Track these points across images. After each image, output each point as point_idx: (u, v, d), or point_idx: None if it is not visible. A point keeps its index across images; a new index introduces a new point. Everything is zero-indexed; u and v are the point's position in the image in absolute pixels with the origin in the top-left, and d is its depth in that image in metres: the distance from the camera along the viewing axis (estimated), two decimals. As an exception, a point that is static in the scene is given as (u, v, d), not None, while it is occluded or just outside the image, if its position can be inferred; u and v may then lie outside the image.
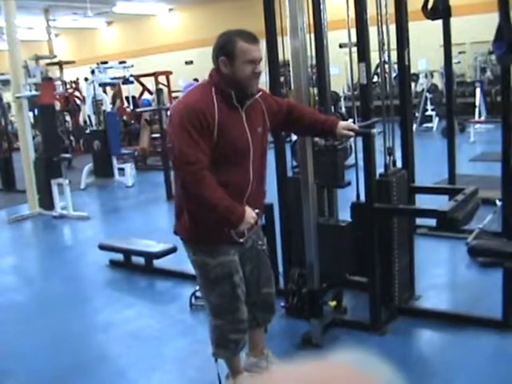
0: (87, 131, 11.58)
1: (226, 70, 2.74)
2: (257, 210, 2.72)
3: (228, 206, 2.65)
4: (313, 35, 3.77)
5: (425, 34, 9.49)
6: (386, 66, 4.05)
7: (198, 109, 2.65)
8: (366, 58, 3.48)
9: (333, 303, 3.76)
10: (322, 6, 3.71)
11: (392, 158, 3.95)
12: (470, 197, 3.70)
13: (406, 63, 4.21)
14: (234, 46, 2.70)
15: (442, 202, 3.73)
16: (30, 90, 8.37)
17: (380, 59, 3.90)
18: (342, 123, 3.14)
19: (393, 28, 4.03)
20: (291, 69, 3.56)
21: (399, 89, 4.17)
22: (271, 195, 4.15)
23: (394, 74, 5.09)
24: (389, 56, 3.95)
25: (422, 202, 4.52)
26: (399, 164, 4.12)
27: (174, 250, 5.19)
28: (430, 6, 5.71)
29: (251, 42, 2.72)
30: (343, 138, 3.22)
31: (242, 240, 2.78)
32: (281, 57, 3.95)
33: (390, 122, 4.00)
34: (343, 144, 3.53)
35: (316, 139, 3.62)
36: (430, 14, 5.75)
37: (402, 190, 3.88)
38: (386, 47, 3.91)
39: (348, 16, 3.72)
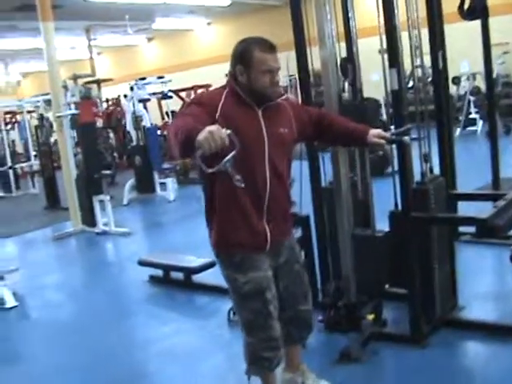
0: (129, 147, 11.69)
1: (242, 79, 2.72)
2: (229, 131, 2.31)
3: (190, 123, 2.41)
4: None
5: (466, 36, 9.30)
6: (420, 71, 3.94)
7: (204, 95, 2.89)
8: (396, 63, 3.38)
9: (371, 316, 3.66)
10: (350, 14, 3.65)
11: (429, 164, 3.83)
12: (512, 202, 3.56)
13: (441, 66, 4.11)
14: (250, 55, 2.68)
15: (487, 209, 3.58)
16: (70, 109, 8.50)
17: (412, 64, 3.81)
18: (373, 131, 3.05)
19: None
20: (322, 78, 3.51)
21: (434, 93, 4.07)
22: (308, 206, 4.10)
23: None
24: (422, 60, 3.84)
25: (466, 208, 4.39)
26: (437, 171, 4.02)
27: (212, 264, 5.15)
28: (466, 6, 5.60)
29: (268, 52, 2.69)
30: (375, 146, 3.13)
31: (210, 170, 2.37)
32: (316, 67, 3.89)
33: (425, 127, 3.90)
34: (377, 153, 3.43)
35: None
36: (467, 14, 5.63)
37: (440, 198, 3.76)
38: (418, 51, 3.82)
39: (379, 22, 3.64)
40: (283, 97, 2.88)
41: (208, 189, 2.82)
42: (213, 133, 2.24)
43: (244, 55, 2.70)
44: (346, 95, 3.80)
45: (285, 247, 2.96)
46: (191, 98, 2.96)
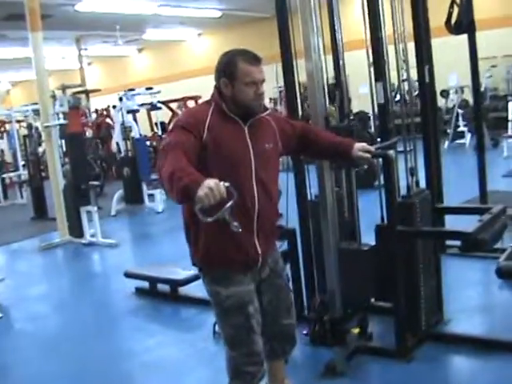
0: (117, 158, 11.64)
1: (226, 92, 2.70)
2: (227, 184, 2.34)
3: (187, 172, 2.38)
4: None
5: (455, 49, 9.34)
6: (406, 84, 3.95)
7: (190, 116, 2.74)
8: (382, 77, 3.39)
9: (356, 330, 3.64)
10: (336, 27, 3.65)
11: (415, 178, 3.84)
12: (497, 216, 3.57)
13: (427, 80, 4.12)
14: (234, 67, 2.65)
15: (474, 222, 3.58)
16: (59, 119, 8.47)
17: (398, 78, 3.82)
18: (357, 145, 3.04)
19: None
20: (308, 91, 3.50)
21: (420, 106, 4.08)
22: (294, 219, 4.09)
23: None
24: (408, 74, 3.85)
25: (454, 222, 4.39)
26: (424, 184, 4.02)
27: (198, 277, 5.09)
28: (453, 20, 5.63)
29: (252, 63, 2.67)
30: (360, 160, 3.12)
31: (209, 219, 2.36)
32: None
33: (412, 140, 3.90)
34: (362, 167, 3.42)
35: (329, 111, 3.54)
36: (454, 28, 5.66)
37: (426, 212, 3.76)
38: (404, 65, 3.83)
39: (366, 35, 3.65)
40: (267, 111, 2.86)
41: (189, 210, 2.72)
42: (213, 189, 2.27)
43: (228, 67, 2.68)
44: (332, 108, 3.79)
45: (269, 261, 2.94)
46: (178, 116, 2.89)
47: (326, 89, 3.56)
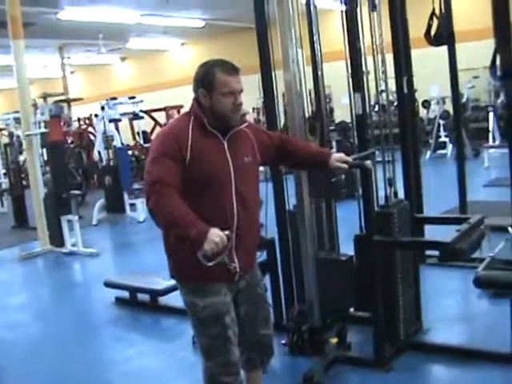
0: (99, 167, 11.58)
1: (205, 102, 2.69)
2: (227, 232, 2.48)
3: (190, 221, 2.47)
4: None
5: (436, 60, 9.40)
6: (384, 95, 3.97)
7: (170, 134, 2.69)
8: (360, 88, 3.41)
9: (334, 340, 3.65)
10: (315, 38, 3.67)
11: (393, 188, 3.86)
12: (475, 226, 3.60)
13: (406, 91, 4.16)
14: (212, 77, 2.65)
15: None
16: (40, 128, 8.43)
17: (377, 88, 3.85)
18: (335, 155, 3.07)
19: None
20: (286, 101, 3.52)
21: (399, 117, 4.11)
22: (274, 228, 4.09)
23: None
24: (386, 85, 3.88)
25: (434, 232, 4.41)
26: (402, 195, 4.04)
27: (178, 286, 5.13)
28: (433, 32, 5.69)
29: (230, 74, 2.67)
30: (336, 170, 3.14)
31: (210, 263, 2.47)
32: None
33: (390, 151, 3.92)
34: (340, 176, 3.44)
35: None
36: (434, 40, 5.71)
37: (404, 222, 3.78)
38: (383, 76, 3.85)
39: (345, 46, 3.68)
40: (245, 123, 2.86)
41: None
42: (218, 243, 2.43)
43: (206, 78, 2.67)
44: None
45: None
46: (159, 137, 2.84)
47: (307, 121, 3.58)
